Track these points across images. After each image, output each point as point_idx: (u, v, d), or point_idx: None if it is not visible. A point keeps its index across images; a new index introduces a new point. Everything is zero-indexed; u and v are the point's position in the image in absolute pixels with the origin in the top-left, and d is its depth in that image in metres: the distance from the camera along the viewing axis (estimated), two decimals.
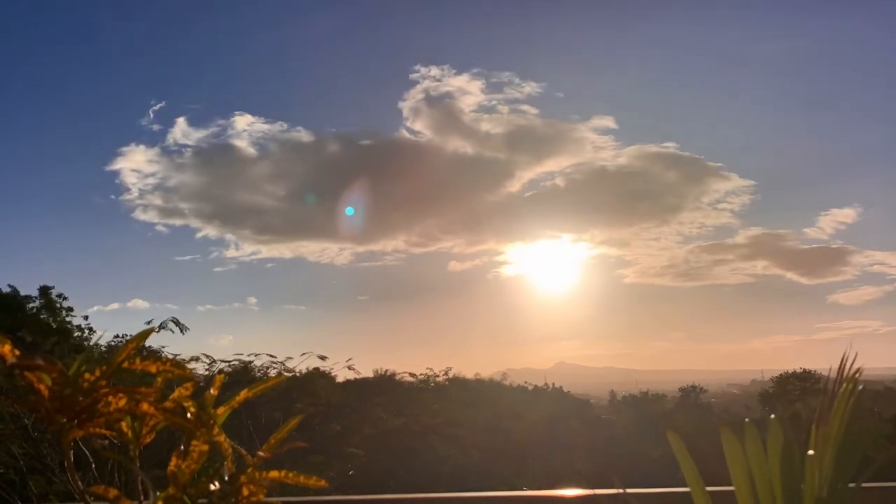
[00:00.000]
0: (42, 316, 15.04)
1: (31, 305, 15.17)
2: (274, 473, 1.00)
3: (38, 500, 5.58)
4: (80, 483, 1.03)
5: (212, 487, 0.99)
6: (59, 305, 15.31)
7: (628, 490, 2.53)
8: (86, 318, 15.35)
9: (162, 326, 7.35)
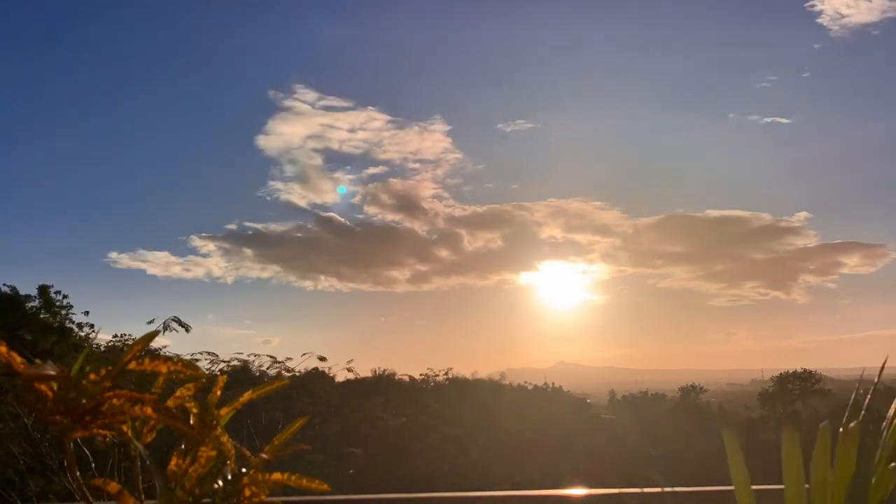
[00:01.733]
0: (42, 315, 15.01)
1: (30, 305, 15.13)
2: (277, 475, 1.00)
3: (38, 499, 5.58)
4: (80, 482, 1.03)
5: (215, 487, 0.99)
6: (58, 304, 15.27)
7: (628, 490, 2.53)
8: (86, 313, 15.28)
9: (165, 327, 7.36)
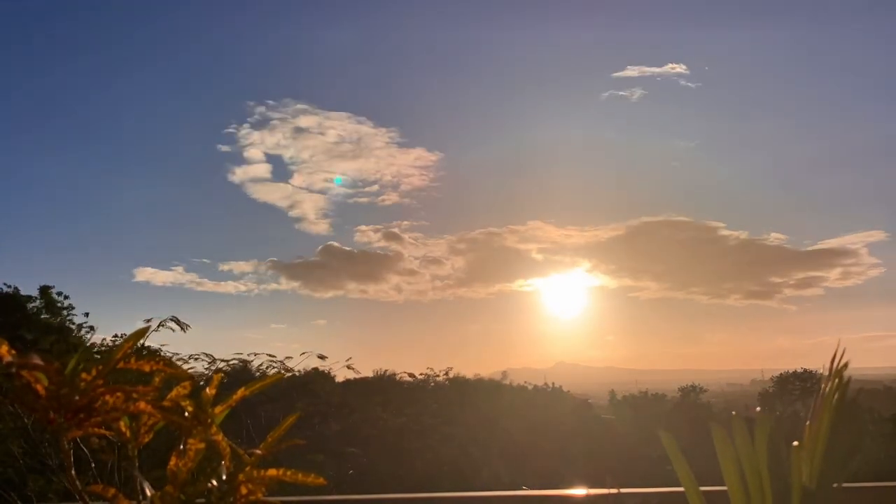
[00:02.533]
0: (42, 315, 15.03)
1: (31, 305, 15.15)
2: (272, 472, 1.00)
3: (38, 499, 5.58)
4: (79, 483, 1.03)
5: (209, 486, 0.99)
6: (59, 304, 15.29)
7: (628, 490, 2.53)
8: (86, 314, 15.30)
9: (161, 325, 7.33)
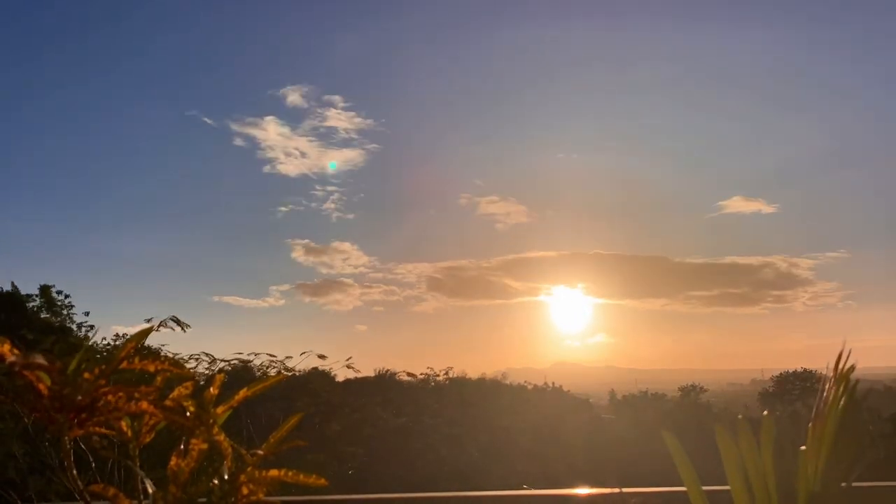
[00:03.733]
0: (43, 314, 15.01)
1: (31, 304, 15.13)
2: (274, 472, 1.00)
3: (38, 499, 5.58)
4: (79, 482, 1.03)
5: (211, 485, 0.99)
6: (59, 303, 15.28)
7: (630, 489, 2.53)
8: (87, 314, 15.29)
9: (162, 325, 7.33)
